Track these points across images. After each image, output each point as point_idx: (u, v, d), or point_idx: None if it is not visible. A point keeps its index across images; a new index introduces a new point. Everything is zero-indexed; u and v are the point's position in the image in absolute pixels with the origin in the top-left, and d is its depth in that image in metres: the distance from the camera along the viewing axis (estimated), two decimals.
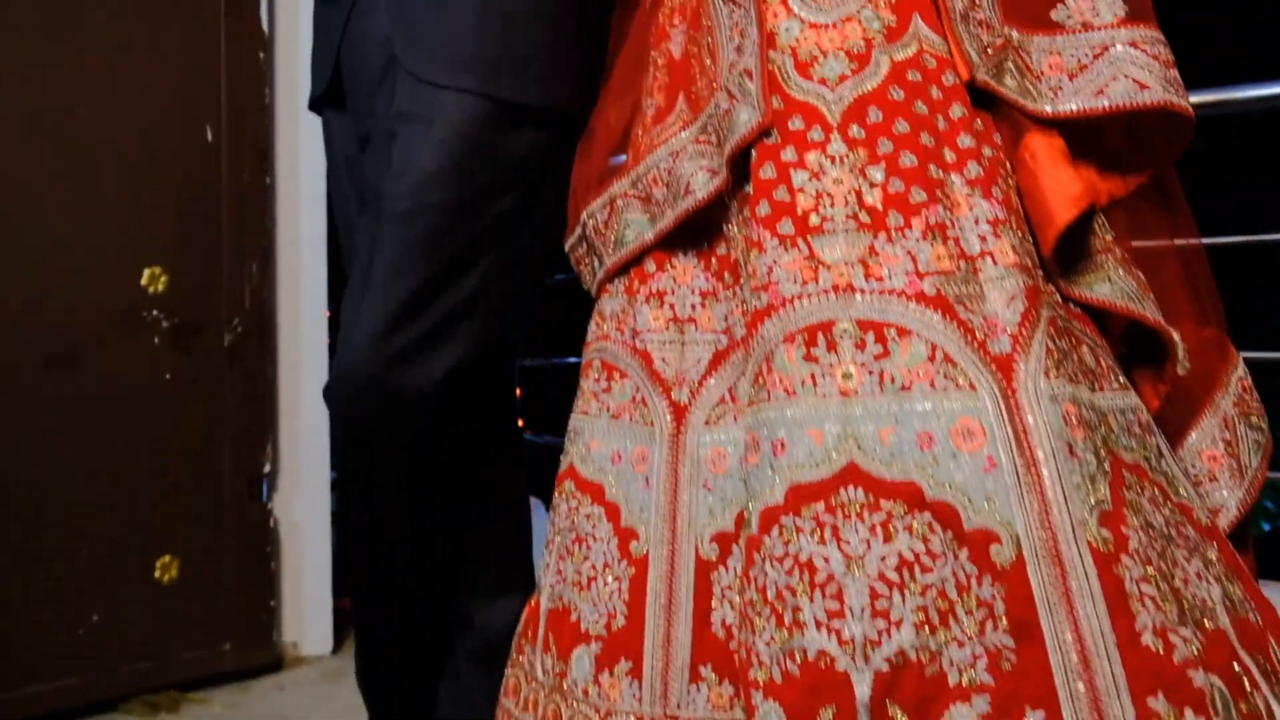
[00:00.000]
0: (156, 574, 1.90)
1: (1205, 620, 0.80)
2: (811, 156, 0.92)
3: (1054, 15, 0.97)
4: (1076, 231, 0.93)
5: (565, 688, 0.97)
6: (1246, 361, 1.05)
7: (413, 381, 1.13)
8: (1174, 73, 0.94)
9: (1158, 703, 0.74)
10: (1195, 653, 0.76)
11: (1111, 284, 0.94)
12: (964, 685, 0.76)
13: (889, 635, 0.77)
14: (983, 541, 0.78)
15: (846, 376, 0.85)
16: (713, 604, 0.91)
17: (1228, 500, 0.97)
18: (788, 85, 0.96)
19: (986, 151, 0.93)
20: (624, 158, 1.13)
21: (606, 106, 1.17)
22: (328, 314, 2.20)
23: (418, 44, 1.16)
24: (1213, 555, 0.86)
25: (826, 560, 0.80)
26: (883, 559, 0.79)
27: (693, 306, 1.01)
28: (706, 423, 0.97)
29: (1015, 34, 0.98)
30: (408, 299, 1.12)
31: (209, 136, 2.01)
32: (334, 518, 2.18)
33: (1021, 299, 0.86)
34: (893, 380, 0.84)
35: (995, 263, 0.88)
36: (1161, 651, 0.75)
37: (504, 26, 1.16)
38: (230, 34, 2.06)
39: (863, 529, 0.80)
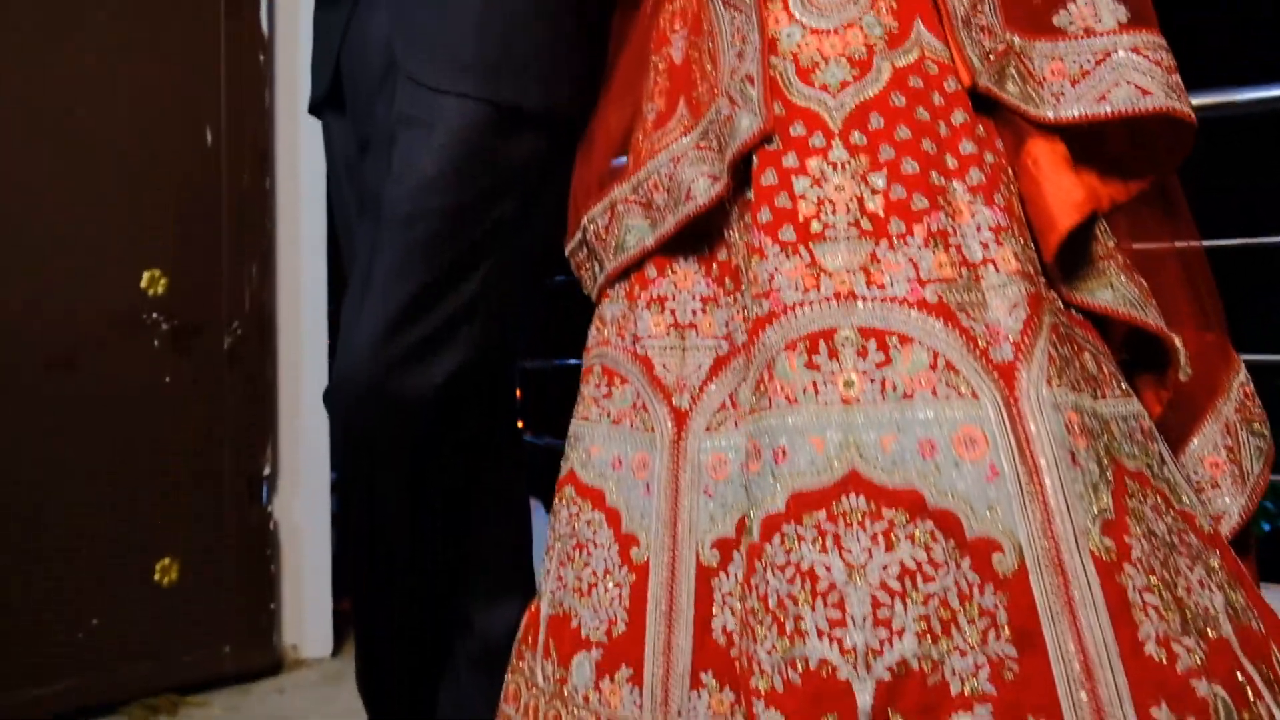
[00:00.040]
0: (156, 576, 1.89)
1: (1208, 629, 0.80)
2: (813, 163, 0.92)
3: (1056, 21, 0.97)
4: (1078, 237, 0.93)
5: (566, 694, 0.97)
6: (1247, 364, 1.05)
7: (413, 386, 1.13)
8: (1176, 78, 0.94)
9: (1161, 713, 0.74)
10: (1198, 662, 0.76)
11: (1114, 290, 0.94)
12: (966, 695, 0.76)
13: (891, 644, 0.77)
14: (985, 550, 0.78)
15: (848, 384, 0.85)
16: (714, 610, 0.91)
17: (1230, 507, 0.97)
18: (789, 91, 0.95)
19: (988, 158, 0.93)
20: (625, 159, 1.13)
21: (607, 111, 1.17)
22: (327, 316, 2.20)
23: (418, 48, 1.15)
24: (1215, 563, 0.86)
25: (828, 568, 0.80)
26: (884, 567, 0.79)
27: (693, 312, 1.01)
28: (707, 429, 0.96)
29: (1017, 39, 0.98)
30: (408, 303, 1.12)
31: (209, 138, 2.01)
32: (334, 519, 2.17)
33: (1024, 306, 0.86)
34: (894, 388, 0.84)
35: (997, 270, 0.88)
36: (1165, 661, 0.75)
37: (504, 30, 1.15)
38: (230, 35, 2.06)
39: (864, 537, 0.80)
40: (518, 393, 1.51)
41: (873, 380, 0.84)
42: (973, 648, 0.76)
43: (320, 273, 2.19)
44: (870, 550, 0.80)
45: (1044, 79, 0.96)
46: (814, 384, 0.85)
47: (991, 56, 0.96)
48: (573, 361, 2.90)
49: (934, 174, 0.90)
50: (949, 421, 0.82)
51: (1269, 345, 1.85)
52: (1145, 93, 0.92)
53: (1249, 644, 0.81)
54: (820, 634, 0.79)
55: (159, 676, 1.88)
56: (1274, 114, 1.87)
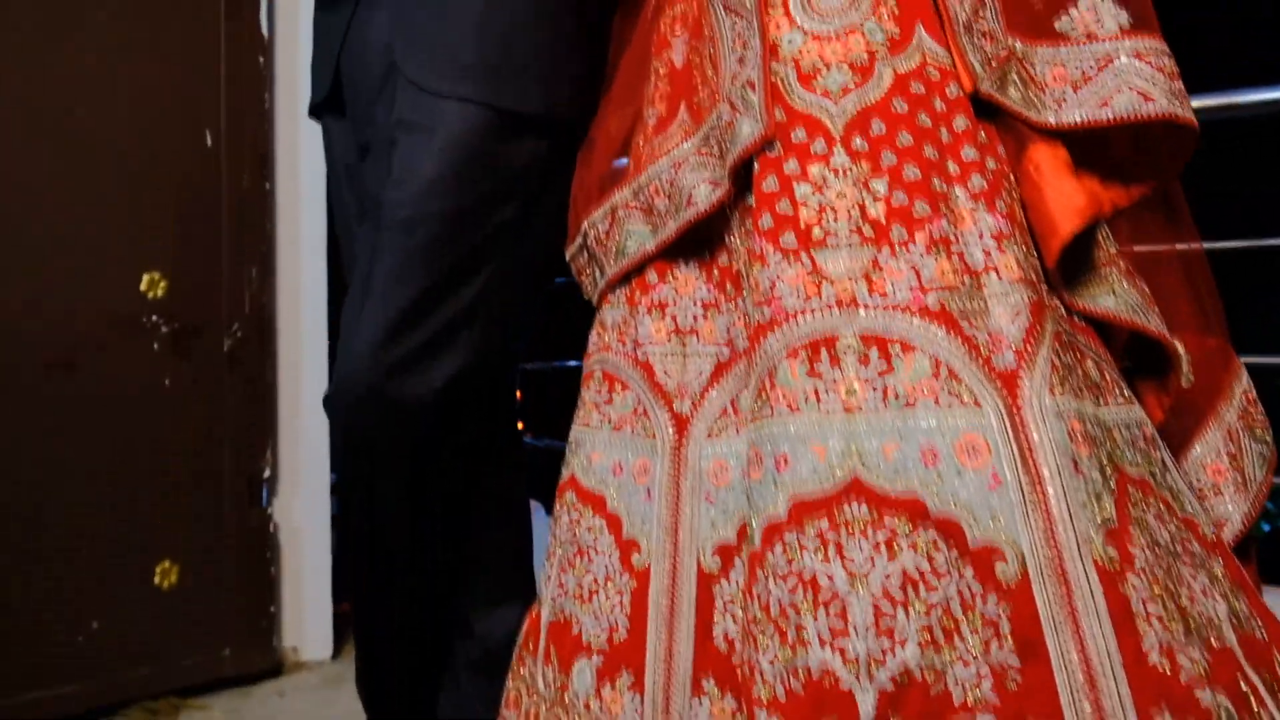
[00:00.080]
0: (156, 579, 1.89)
1: (1211, 638, 0.79)
2: (814, 169, 0.92)
3: (1058, 25, 0.97)
4: (1080, 243, 0.93)
5: (567, 700, 0.96)
6: (1247, 365, 1.05)
7: (413, 391, 1.13)
8: (1178, 84, 0.93)
9: None
10: (1202, 671, 0.76)
11: (1115, 296, 0.94)
12: (969, 704, 0.76)
13: (893, 653, 0.77)
14: (987, 558, 0.78)
15: (850, 391, 0.85)
16: (715, 616, 0.91)
17: (1232, 513, 0.96)
18: (790, 97, 0.95)
19: (990, 164, 0.92)
20: (626, 161, 1.12)
21: (607, 115, 1.17)
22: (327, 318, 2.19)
23: (418, 52, 1.15)
24: (1218, 570, 0.86)
25: (830, 577, 0.80)
26: (887, 576, 0.79)
27: (694, 318, 1.01)
28: (708, 435, 0.96)
29: (1019, 45, 0.97)
30: (408, 308, 1.12)
31: (209, 140, 2.01)
32: (334, 521, 2.17)
33: (1026, 314, 0.86)
34: (896, 395, 0.83)
35: (999, 277, 0.87)
36: (1168, 671, 0.75)
37: (504, 34, 1.15)
38: (230, 37, 2.05)
39: (866, 545, 0.80)
40: (518, 394, 1.51)
41: (875, 388, 0.84)
42: (975, 657, 0.76)
43: (320, 274, 2.19)
44: (872, 558, 0.79)
45: (1046, 84, 0.96)
46: (816, 391, 0.85)
47: (993, 62, 0.96)
48: (573, 363, 2.90)
49: (936, 180, 0.90)
50: (951, 429, 0.82)
51: (1270, 347, 1.84)
52: (1147, 98, 0.92)
53: (1252, 652, 0.81)
54: (822, 642, 0.79)
55: (159, 679, 1.88)
56: (1275, 117, 1.87)
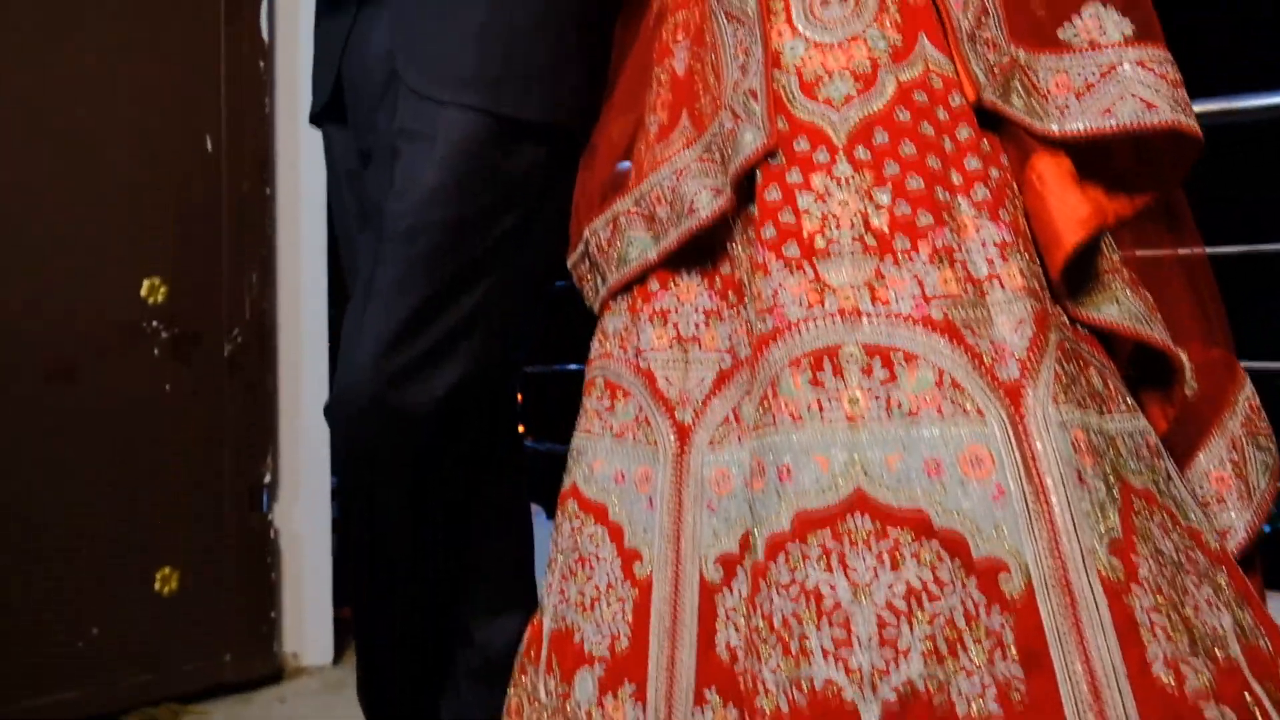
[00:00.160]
0: (156, 586, 1.88)
1: (1216, 650, 0.79)
2: (817, 179, 0.92)
3: (1061, 34, 0.97)
4: (1084, 253, 0.93)
5: (569, 710, 0.96)
6: (1248, 371, 1.05)
7: (414, 400, 1.13)
8: (1182, 93, 0.93)
9: None
10: (1207, 684, 0.75)
11: (1119, 305, 0.94)
12: (973, 716, 0.75)
13: (897, 665, 0.77)
14: (991, 570, 0.78)
15: (853, 402, 0.84)
16: (717, 626, 0.91)
17: (1235, 522, 0.96)
18: (793, 106, 0.95)
19: (994, 174, 0.92)
20: (628, 164, 1.12)
21: (609, 122, 1.17)
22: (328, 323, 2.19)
23: (419, 60, 1.15)
24: (1223, 581, 0.86)
25: (833, 588, 0.80)
26: (890, 588, 0.78)
27: (696, 326, 1.01)
28: (710, 443, 0.96)
29: (1022, 53, 0.97)
30: (409, 317, 1.11)
31: (209, 146, 2.00)
32: (334, 525, 2.17)
33: (1030, 324, 0.86)
34: (900, 406, 0.83)
35: (1003, 287, 0.87)
36: (1173, 683, 0.75)
37: (505, 42, 1.15)
38: (230, 40, 2.05)
39: (870, 557, 0.80)
40: (519, 397, 1.51)
41: (878, 398, 0.84)
42: (979, 668, 0.76)
43: (321, 280, 2.18)
44: (876, 570, 0.79)
45: (1049, 92, 0.96)
46: (818, 402, 0.85)
47: (996, 71, 0.95)
48: (573, 367, 2.90)
49: (939, 190, 0.90)
50: (955, 440, 0.81)
51: (1272, 353, 1.84)
52: (1151, 107, 0.92)
53: (1257, 664, 0.81)
54: (825, 654, 0.78)
55: (159, 686, 1.87)
56: (1276, 122, 1.86)
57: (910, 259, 0.87)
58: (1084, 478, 0.81)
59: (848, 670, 0.77)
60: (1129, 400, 0.92)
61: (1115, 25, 0.95)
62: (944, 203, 0.89)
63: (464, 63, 1.13)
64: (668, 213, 1.02)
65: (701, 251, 1.02)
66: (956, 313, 0.85)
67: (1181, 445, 0.98)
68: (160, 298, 1.91)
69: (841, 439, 0.83)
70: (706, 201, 0.98)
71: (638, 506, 0.98)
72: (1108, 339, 0.95)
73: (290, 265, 2.14)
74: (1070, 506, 0.79)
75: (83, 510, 1.81)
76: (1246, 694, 0.78)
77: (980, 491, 0.80)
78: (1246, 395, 1.01)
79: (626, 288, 1.07)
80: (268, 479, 2.06)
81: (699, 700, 0.89)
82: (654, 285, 1.04)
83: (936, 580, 0.78)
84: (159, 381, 1.91)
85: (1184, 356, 0.94)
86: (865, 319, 0.86)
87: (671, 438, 0.98)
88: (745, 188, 0.97)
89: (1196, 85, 0.99)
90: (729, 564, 0.91)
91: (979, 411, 0.82)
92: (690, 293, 1.02)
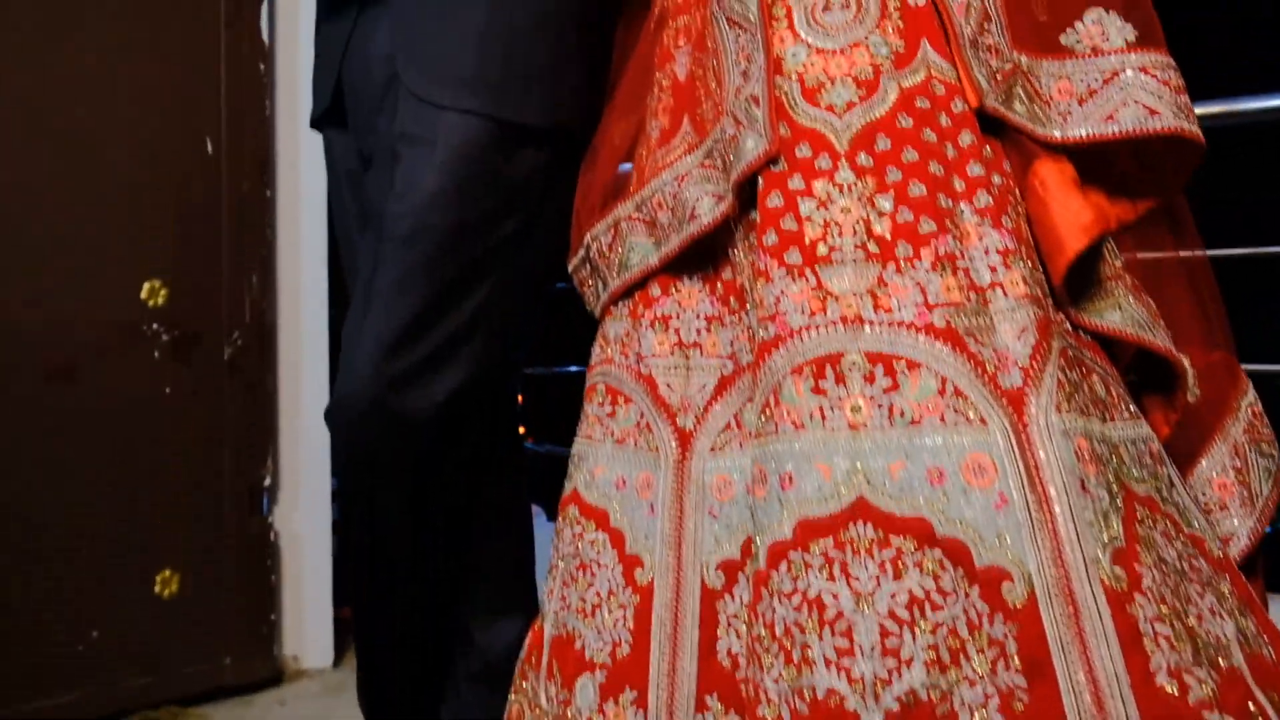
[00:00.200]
0: (156, 588, 1.88)
1: (1220, 659, 0.79)
2: (819, 185, 0.91)
3: (1064, 40, 0.97)
4: (1087, 259, 0.93)
5: (570, 716, 0.96)
6: (1249, 374, 1.04)
7: (414, 405, 1.13)
8: (1185, 99, 0.93)
9: None
10: (1210, 694, 0.75)
11: (1122, 312, 0.93)
12: None
13: (899, 674, 0.76)
14: (994, 579, 0.78)
15: (855, 410, 0.84)
16: (719, 633, 0.90)
17: (1238, 529, 0.96)
18: (795, 112, 0.95)
19: (996, 180, 0.92)
20: (630, 166, 1.12)
21: (610, 126, 1.16)
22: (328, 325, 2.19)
23: (420, 63, 1.15)
24: (1226, 589, 0.85)
25: (836, 597, 0.79)
26: (893, 596, 0.78)
27: (698, 331, 1.01)
28: (712, 449, 0.96)
29: (1024, 59, 0.97)
30: (410, 322, 1.11)
31: (209, 148, 2.00)
32: (334, 527, 2.17)
33: (1032, 332, 0.85)
34: (902, 414, 0.83)
35: (1006, 294, 0.87)
36: (1176, 693, 0.74)
37: (506, 46, 1.14)
38: (230, 42, 2.05)
39: (872, 566, 0.79)
40: (519, 398, 1.51)
41: (880, 406, 0.84)
42: (982, 678, 0.76)
43: (321, 282, 2.18)
44: (878, 579, 0.79)
45: (1051, 98, 0.95)
46: (821, 409, 0.85)
47: (999, 76, 0.95)
48: (574, 368, 2.90)
49: (941, 196, 0.90)
50: (957, 448, 0.81)
51: (1272, 355, 1.84)
52: (1153, 113, 0.92)
53: (1260, 672, 0.81)
54: (828, 663, 0.78)
55: (159, 689, 1.87)
56: (1277, 124, 1.86)
57: (913, 266, 0.87)
58: (1087, 486, 0.80)
59: (850, 679, 0.77)
60: (1132, 407, 0.92)
61: (1118, 31, 0.95)
62: (946, 209, 0.89)
63: (464, 66, 1.13)
64: (669, 218, 1.02)
65: (703, 257, 1.02)
66: (959, 320, 0.85)
67: (1184, 451, 0.98)
68: (160, 300, 1.90)
69: (844, 447, 0.83)
70: (708, 207, 0.97)
71: (639, 513, 0.98)
72: (1110, 344, 0.95)
73: (290, 266, 2.14)
74: (1073, 515, 0.79)
75: (83, 511, 1.81)
76: (1250, 704, 0.77)
77: (983, 500, 0.80)
78: (1249, 401, 1.01)
79: (628, 293, 1.07)
80: (268, 481, 2.06)
81: (700, 707, 0.89)
82: (655, 290, 1.03)
83: (939, 589, 0.78)
84: (159, 383, 1.91)
85: (1186, 362, 0.94)
86: (868, 326, 0.86)
87: (673, 444, 0.98)
88: (747, 194, 0.97)
89: (1197, 86, 0.98)
90: (730, 570, 0.91)
91: (982, 420, 0.82)
92: (692, 298, 1.02)
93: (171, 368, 1.92)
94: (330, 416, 1.18)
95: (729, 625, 0.90)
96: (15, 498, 1.74)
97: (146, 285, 1.89)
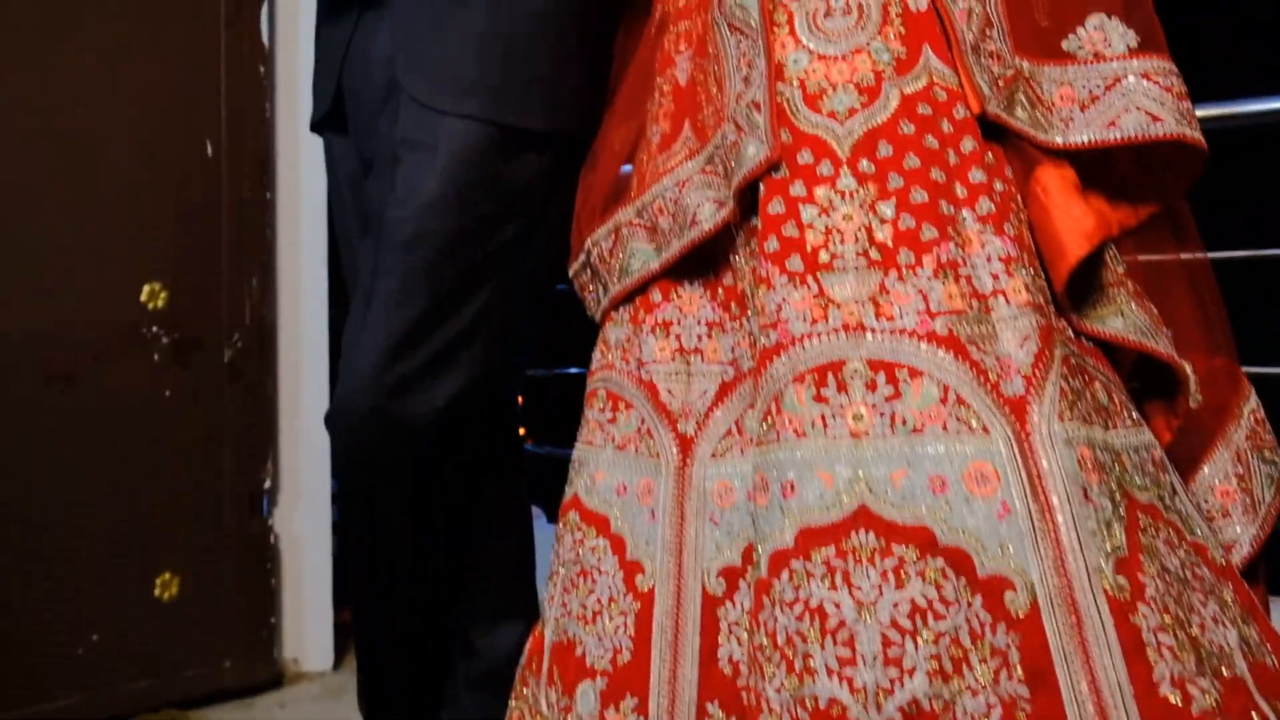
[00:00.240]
0: (156, 591, 1.88)
1: (1223, 668, 0.79)
2: (820, 191, 0.91)
3: (1065, 45, 0.96)
4: (1089, 265, 0.92)
5: None
6: (1250, 377, 1.04)
7: (414, 410, 1.12)
8: (1187, 104, 0.93)
9: None
10: (1213, 704, 0.75)
11: (1124, 318, 0.93)
12: None
13: (901, 683, 0.76)
14: (997, 589, 0.77)
15: (857, 418, 0.84)
16: (719, 640, 0.90)
17: (1240, 536, 0.96)
18: (796, 118, 0.94)
19: (998, 186, 0.92)
20: (630, 167, 1.12)
21: (610, 130, 1.16)
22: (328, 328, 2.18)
23: (420, 68, 1.14)
24: (1228, 596, 0.85)
25: (838, 606, 0.79)
26: (895, 605, 0.78)
27: (699, 337, 1.00)
28: (713, 455, 0.96)
29: (1026, 65, 0.97)
30: (410, 327, 1.11)
31: (209, 150, 2.00)
32: (334, 528, 2.16)
33: (1035, 339, 0.85)
34: (904, 422, 0.83)
35: (1008, 302, 0.87)
36: (1179, 702, 0.74)
37: (506, 51, 1.14)
38: (230, 44, 2.04)
39: (874, 574, 0.79)
40: (519, 400, 1.51)
41: (882, 414, 0.83)
42: (984, 687, 0.76)
43: (321, 284, 2.18)
44: (880, 587, 0.79)
45: (1053, 104, 0.95)
46: (822, 417, 0.85)
47: (1000, 82, 0.95)
48: (574, 370, 2.90)
49: (943, 203, 0.89)
50: (960, 457, 0.81)
51: (1274, 357, 1.84)
52: (1156, 119, 0.92)
53: (1263, 681, 0.80)
54: (830, 672, 0.78)
55: (160, 692, 1.87)
56: (1278, 125, 1.86)
57: (914, 273, 0.87)
58: (1089, 495, 0.80)
59: (852, 688, 0.77)
60: (1134, 414, 0.92)
61: (1120, 36, 0.95)
62: (948, 216, 0.89)
63: (465, 71, 1.13)
64: (670, 224, 1.01)
65: (704, 263, 1.01)
66: (961, 328, 0.85)
67: (1186, 457, 0.98)
68: (160, 303, 1.90)
69: (845, 454, 0.83)
70: (709, 213, 0.97)
71: (640, 519, 0.98)
72: (1112, 350, 0.95)
73: (290, 269, 2.14)
74: (1076, 524, 0.79)
75: (83, 513, 1.81)
76: (1254, 712, 0.77)
77: (985, 509, 0.79)
78: (1251, 407, 1.01)
79: (628, 298, 1.07)
80: (268, 483, 2.06)
81: (701, 714, 0.89)
82: (656, 296, 1.03)
83: (941, 598, 0.78)
84: (159, 386, 1.90)
85: (1189, 368, 0.94)
86: (869, 334, 0.86)
87: (674, 450, 0.98)
88: (748, 200, 0.97)
89: (1197, 88, 0.98)
90: (731, 577, 0.91)
91: (984, 428, 0.82)
92: (693, 304, 1.02)
93: (171, 370, 1.92)
94: (330, 421, 1.18)
95: (730, 632, 0.90)
96: (15, 499, 1.74)
97: (146, 288, 1.89)
